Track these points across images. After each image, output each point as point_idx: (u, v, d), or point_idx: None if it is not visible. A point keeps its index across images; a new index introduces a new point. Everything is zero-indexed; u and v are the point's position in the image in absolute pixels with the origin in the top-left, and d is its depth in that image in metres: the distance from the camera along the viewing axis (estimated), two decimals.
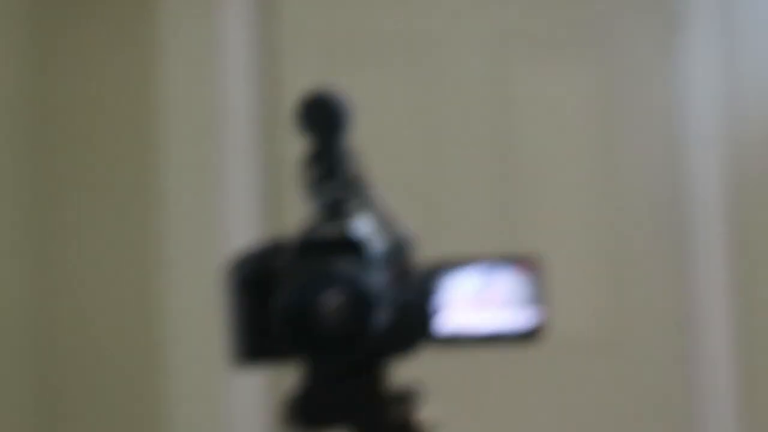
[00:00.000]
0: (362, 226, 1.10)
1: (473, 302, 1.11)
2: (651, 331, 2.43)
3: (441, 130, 2.49)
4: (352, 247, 1.09)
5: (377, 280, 1.08)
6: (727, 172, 2.40)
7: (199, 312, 2.45)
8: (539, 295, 1.11)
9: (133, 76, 2.53)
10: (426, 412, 1.12)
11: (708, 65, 2.41)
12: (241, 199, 2.48)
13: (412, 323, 1.11)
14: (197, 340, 2.47)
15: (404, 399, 1.12)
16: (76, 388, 2.50)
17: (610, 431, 2.42)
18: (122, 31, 2.52)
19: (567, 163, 2.48)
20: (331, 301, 1.06)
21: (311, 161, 1.10)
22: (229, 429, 2.46)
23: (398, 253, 1.12)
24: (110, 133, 2.51)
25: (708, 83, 2.41)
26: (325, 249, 1.08)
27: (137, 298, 2.51)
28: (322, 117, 1.07)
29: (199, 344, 2.46)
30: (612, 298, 2.44)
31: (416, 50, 2.51)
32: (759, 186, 2.40)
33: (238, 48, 2.48)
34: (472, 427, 2.42)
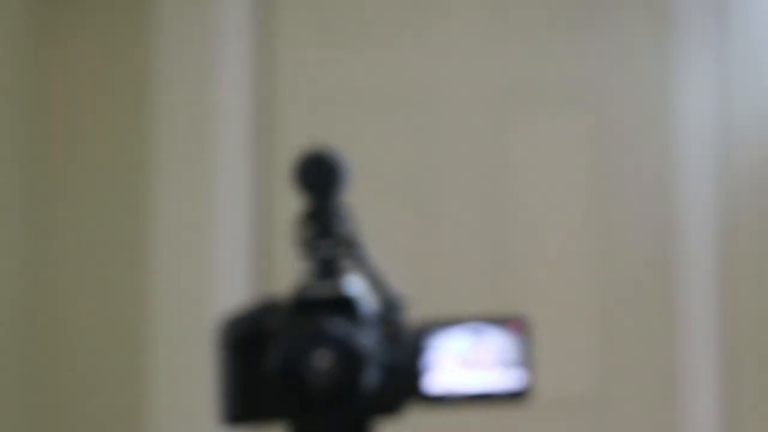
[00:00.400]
0: (354, 286, 1.12)
1: (462, 362, 1.13)
2: (640, 392, 2.43)
3: (433, 185, 2.51)
4: (344, 307, 1.10)
5: (368, 339, 1.09)
6: (721, 231, 2.42)
7: (187, 370, 2.44)
8: (527, 356, 1.13)
9: (127, 93, 2.53)
10: None
11: (704, 118, 2.43)
12: (232, 256, 2.49)
13: (402, 383, 1.12)
14: (184, 398, 2.46)
15: None
16: None
17: None
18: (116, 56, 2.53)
19: (558, 222, 2.49)
20: (323, 360, 1.07)
21: (306, 219, 1.11)
22: None
23: (389, 312, 1.13)
24: (100, 168, 2.52)
25: (704, 137, 2.43)
26: (318, 308, 1.10)
27: (123, 354, 2.50)
28: (319, 176, 1.08)
29: (186, 403, 2.46)
30: (601, 359, 2.45)
31: (412, 102, 2.53)
32: (752, 247, 2.42)
33: (235, 101, 2.50)
34: None
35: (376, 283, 1.11)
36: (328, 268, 1.12)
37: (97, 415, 2.50)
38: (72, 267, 2.52)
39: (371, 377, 1.08)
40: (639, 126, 2.49)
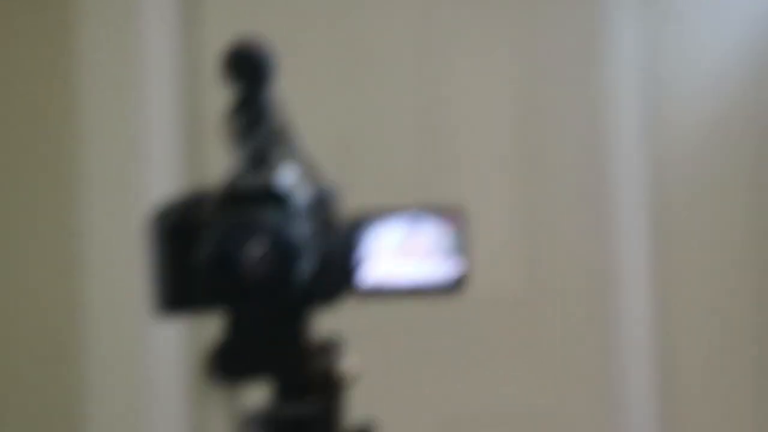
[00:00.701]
0: (286, 177, 1.10)
1: (396, 253, 1.12)
2: (571, 284, 2.45)
3: (366, 81, 2.48)
4: (276, 197, 1.08)
5: (301, 230, 1.07)
6: (648, 125, 2.42)
7: (119, 261, 2.42)
8: (462, 247, 1.12)
9: (50, 21, 2.49)
10: (347, 363, 1.12)
11: (634, 39, 2.43)
12: (162, 149, 2.45)
13: (336, 274, 1.11)
14: (117, 290, 2.44)
15: (326, 350, 1.13)
16: None
17: (528, 383, 2.45)
18: None
19: (491, 113, 2.49)
20: (255, 250, 1.06)
21: (236, 111, 1.09)
22: (148, 380, 2.45)
23: (322, 203, 1.12)
24: (29, 80, 2.47)
25: (634, 47, 2.43)
26: (249, 199, 1.08)
27: (55, 246, 2.48)
28: (248, 66, 1.06)
29: (118, 294, 2.44)
30: (533, 253, 2.47)
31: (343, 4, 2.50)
32: (679, 139, 2.43)
33: None
34: (392, 378, 2.43)
35: (309, 173, 1.09)
36: (259, 159, 1.10)
37: (32, 306, 2.47)
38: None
39: (304, 267, 1.06)
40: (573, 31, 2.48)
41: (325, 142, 2.25)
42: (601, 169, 2.45)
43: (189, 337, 2.44)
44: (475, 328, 2.47)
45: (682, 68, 2.45)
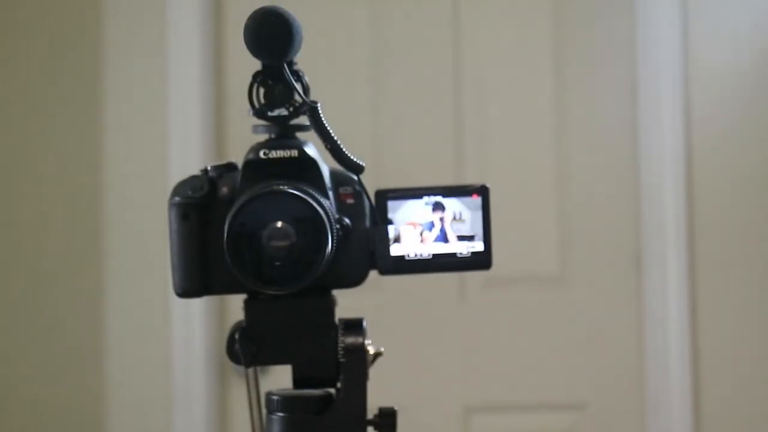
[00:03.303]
0: (312, 149, 1.08)
1: (422, 231, 1.10)
2: (605, 269, 2.43)
3: (398, 85, 2.47)
4: (303, 168, 1.06)
5: (329, 205, 1.06)
6: (682, 115, 2.40)
7: (143, 241, 2.42)
8: (487, 224, 1.11)
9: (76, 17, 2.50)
10: (370, 343, 1.10)
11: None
12: (186, 121, 2.45)
13: (361, 252, 1.09)
14: (139, 271, 2.44)
15: (349, 329, 1.10)
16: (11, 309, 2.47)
17: (561, 365, 2.43)
18: None
19: (519, 93, 2.47)
20: (282, 231, 1.03)
21: (262, 83, 1.07)
22: (171, 362, 2.44)
23: (349, 179, 1.10)
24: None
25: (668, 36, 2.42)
26: (276, 168, 1.06)
27: (78, 227, 2.48)
28: (273, 37, 1.04)
29: (140, 276, 2.44)
30: (565, 234, 2.45)
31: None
32: (713, 132, 2.41)
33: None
34: (419, 362, 2.42)
35: (334, 148, 1.07)
36: (285, 130, 1.08)
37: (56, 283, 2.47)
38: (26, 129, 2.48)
39: (332, 246, 1.04)
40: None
41: (357, 146, 2.22)
42: (635, 156, 2.44)
43: (214, 319, 2.43)
44: (504, 308, 2.46)
45: (716, 65, 2.43)
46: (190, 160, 2.41)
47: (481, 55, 2.48)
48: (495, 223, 1.11)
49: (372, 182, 1.11)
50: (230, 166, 1.10)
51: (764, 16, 2.43)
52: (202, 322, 2.41)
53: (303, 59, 1.08)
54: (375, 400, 1.09)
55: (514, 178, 2.44)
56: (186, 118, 2.46)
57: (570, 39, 2.46)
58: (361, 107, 2.45)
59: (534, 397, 2.45)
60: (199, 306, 2.35)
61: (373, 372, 1.09)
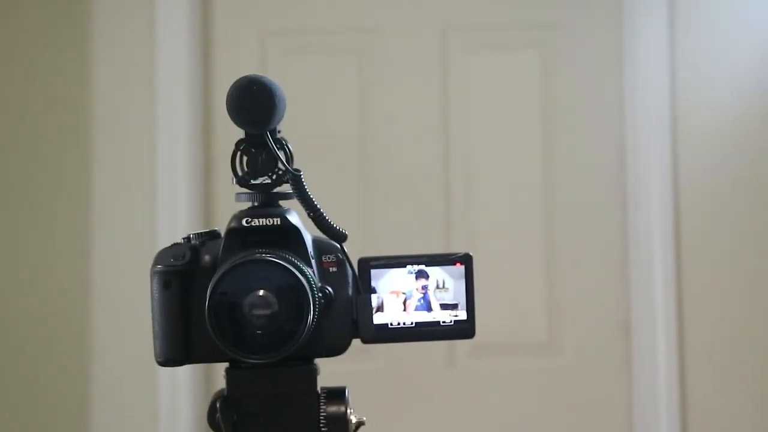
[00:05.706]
0: (295, 217, 1.08)
1: (405, 300, 1.10)
2: (593, 334, 2.43)
3: (379, 122, 2.47)
4: (285, 237, 1.06)
5: (311, 274, 1.05)
6: (671, 174, 2.41)
7: (130, 306, 2.41)
8: (470, 292, 1.11)
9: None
10: (352, 412, 1.10)
11: (656, 53, 2.41)
12: (173, 190, 2.45)
13: (344, 319, 1.09)
14: (126, 337, 2.43)
15: (332, 398, 1.10)
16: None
17: None
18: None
19: (506, 161, 2.48)
20: (263, 301, 1.03)
21: (245, 151, 1.07)
22: (157, 424, 2.42)
23: (332, 248, 1.10)
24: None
25: (655, 67, 2.42)
26: (259, 237, 1.06)
27: (66, 290, 2.46)
28: (256, 106, 1.04)
29: (127, 341, 2.43)
30: (552, 300, 2.44)
31: (358, 41, 2.50)
32: (706, 188, 2.41)
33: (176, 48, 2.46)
34: (402, 428, 2.40)
35: (317, 216, 1.07)
36: (268, 198, 1.08)
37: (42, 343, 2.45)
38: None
39: (314, 315, 1.04)
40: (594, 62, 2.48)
41: (334, 185, 2.24)
42: (623, 222, 2.44)
43: (197, 385, 2.41)
44: (489, 376, 2.45)
45: (705, 81, 2.42)
46: (177, 230, 2.40)
47: (471, 122, 2.49)
48: (483, 289, 1.12)
49: (358, 250, 1.11)
50: (213, 234, 1.10)
51: (753, 25, 2.43)
52: (187, 391, 2.40)
53: (289, 127, 1.08)
54: None
55: (502, 244, 2.44)
56: (173, 181, 2.46)
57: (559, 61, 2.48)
58: (350, 181, 2.43)
59: None
60: (185, 373, 2.34)
61: None
